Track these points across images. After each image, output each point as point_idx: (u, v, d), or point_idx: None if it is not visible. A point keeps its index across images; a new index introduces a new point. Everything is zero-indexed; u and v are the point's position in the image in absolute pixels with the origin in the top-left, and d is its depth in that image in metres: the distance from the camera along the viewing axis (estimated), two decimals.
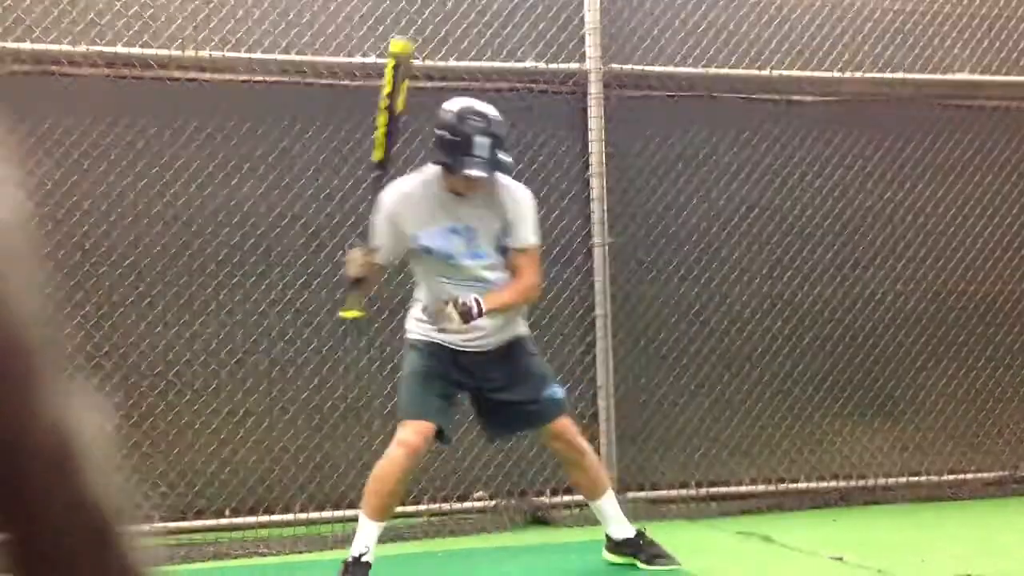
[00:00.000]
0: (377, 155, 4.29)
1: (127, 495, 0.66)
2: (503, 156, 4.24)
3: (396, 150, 4.52)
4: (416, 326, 4.41)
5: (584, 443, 4.52)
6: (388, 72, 4.24)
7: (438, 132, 4.23)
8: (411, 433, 4.22)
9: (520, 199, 4.37)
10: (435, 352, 4.33)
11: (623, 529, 4.62)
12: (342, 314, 4.37)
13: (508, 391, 4.40)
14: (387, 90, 4.22)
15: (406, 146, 5.78)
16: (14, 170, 0.65)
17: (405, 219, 4.27)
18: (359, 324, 4.75)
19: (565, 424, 4.46)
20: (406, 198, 4.29)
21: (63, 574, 0.63)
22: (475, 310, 4.12)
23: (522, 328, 4.52)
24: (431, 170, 4.32)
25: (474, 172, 4.15)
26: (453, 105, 4.32)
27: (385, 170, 4.30)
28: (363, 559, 4.23)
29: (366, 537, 4.26)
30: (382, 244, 4.30)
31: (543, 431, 4.49)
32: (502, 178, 4.34)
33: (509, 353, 4.41)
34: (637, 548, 4.61)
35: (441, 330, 4.21)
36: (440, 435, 4.31)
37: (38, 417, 0.62)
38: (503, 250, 4.34)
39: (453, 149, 4.17)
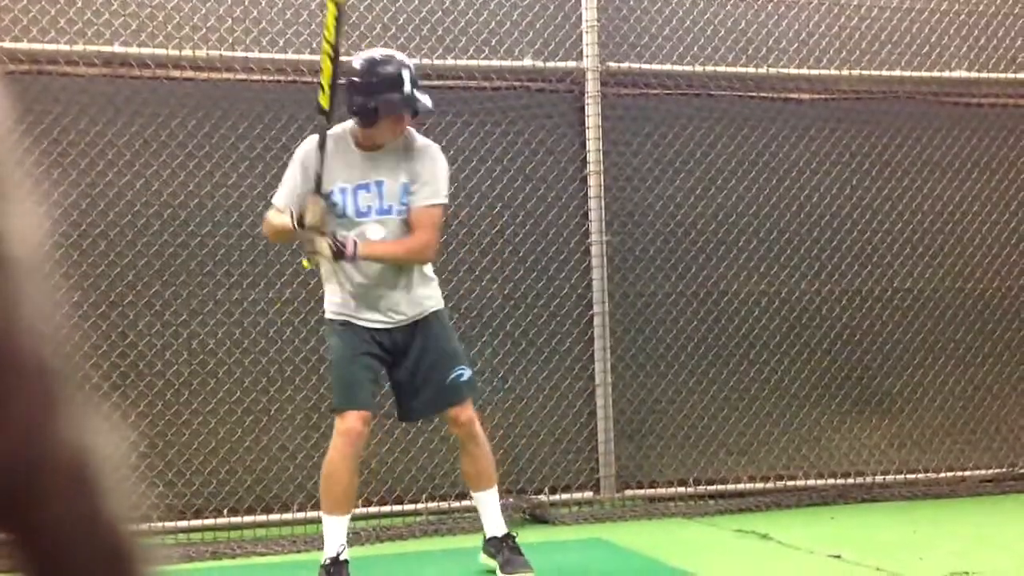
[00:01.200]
0: (323, 101, 4.15)
1: (140, 510, 0.67)
2: (423, 95, 4.19)
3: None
4: (331, 307, 4.32)
5: (480, 433, 4.39)
6: (331, 20, 4.09)
7: (355, 80, 4.15)
8: (350, 422, 4.17)
9: (435, 157, 4.28)
10: (354, 334, 4.24)
11: (495, 527, 4.48)
12: (304, 264, 4.32)
13: (414, 374, 4.30)
14: (330, 36, 4.09)
15: None
16: (32, 190, 0.65)
17: (320, 171, 4.18)
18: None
19: (464, 410, 4.35)
20: (318, 153, 4.19)
21: None
22: (349, 250, 4.07)
23: (436, 302, 4.37)
24: (343, 125, 4.26)
25: (399, 108, 4.12)
26: (365, 54, 4.31)
27: (329, 117, 4.17)
28: (341, 558, 4.21)
29: (336, 535, 4.21)
30: (289, 192, 4.24)
31: (445, 416, 4.40)
32: (417, 136, 4.32)
33: (420, 330, 4.30)
34: (499, 548, 4.46)
35: (309, 256, 4.15)
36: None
37: (58, 436, 0.62)
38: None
39: (375, 90, 4.11)
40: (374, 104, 4.12)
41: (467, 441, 4.41)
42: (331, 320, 4.33)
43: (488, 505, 4.49)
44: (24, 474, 0.61)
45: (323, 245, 4.08)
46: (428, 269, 4.40)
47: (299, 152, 4.31)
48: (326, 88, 4.13)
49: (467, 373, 4.38)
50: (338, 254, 4.08)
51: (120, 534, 0.65)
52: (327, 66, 4.13)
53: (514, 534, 4.54)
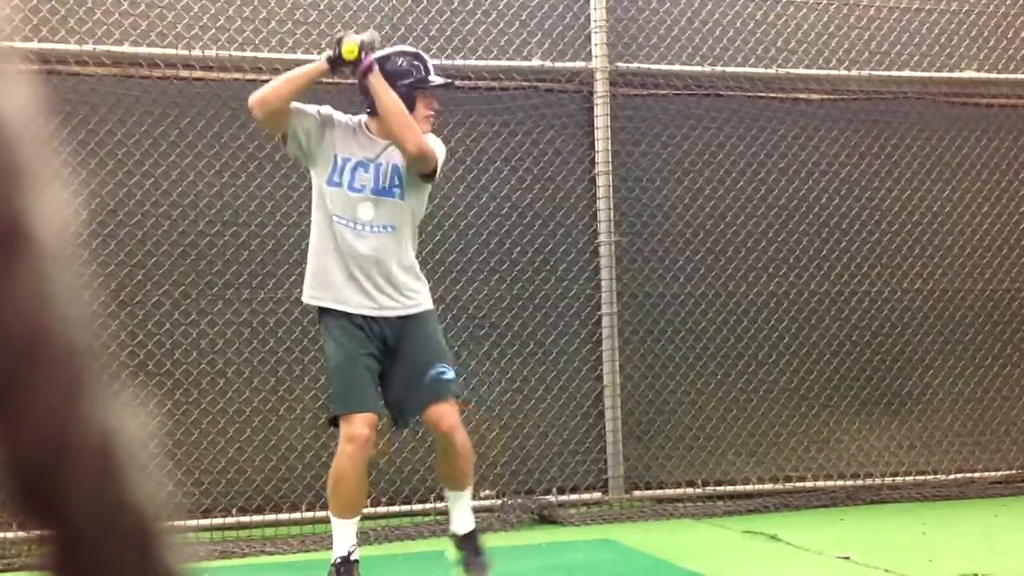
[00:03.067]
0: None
1: (167, 497, 0.67)
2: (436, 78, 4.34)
3: None
4: (315, 290, 4.24)
5: (461, 436, 4.26)
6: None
7: (392, 67, 4.22)
8: (357, 426, 4.10)
9: (434, 140, 4.34)
10: (350, 334, 4.18)
11: (461, 524, 4.39)
12: (347, 56, 4.14)
13: (398, 370, 4.23)
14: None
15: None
16: (59, 175, 0.65)
17: (334, 134, 4.23)
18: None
19: (446, 410, 4.23)
20: (340, 120, 4.28)
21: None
22: (371, 60, 4.11)
23: (427, 299, 4.32)
24: (359, 116, 4.33)
25: (440, 80, 4.31)
26: (390, 48, 4.45)
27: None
28: (352, 557, 4.20)
29: (345, 536, 4.18)
30: (304, 109, 4.25)
31: (425, 414, 4.26)
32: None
33: (410, 324, 4.24)
34: (461, 544, 4.39)
35: (336, 48, 4.13)
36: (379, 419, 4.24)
37: (85, 418, 0.63)
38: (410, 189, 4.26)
39: (415, 75, 4.24)
40: (421, 86, 4.23)
41: (442, 441, 4.29)
42: (323, 318, 4.26)
43: (458, 502, 4.40)
44: (51, 455, 0.61)
45: (354, 42, 4.09)
46: (415, 265, 4.34)
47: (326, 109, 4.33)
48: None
49: (449, 372, 4.28)
50: (363, 48, 4.09)
51: (148, 522, 0.66)
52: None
53: (477, 532, 4.45)
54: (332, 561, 4.21)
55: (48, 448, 0.60)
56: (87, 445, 0.61)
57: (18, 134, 0.63)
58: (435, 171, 4.27)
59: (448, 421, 4.24)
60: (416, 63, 4.30)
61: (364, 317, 4.22)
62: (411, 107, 4.21)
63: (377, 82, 4.16)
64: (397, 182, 4.25)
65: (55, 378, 0.60)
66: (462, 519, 4.43)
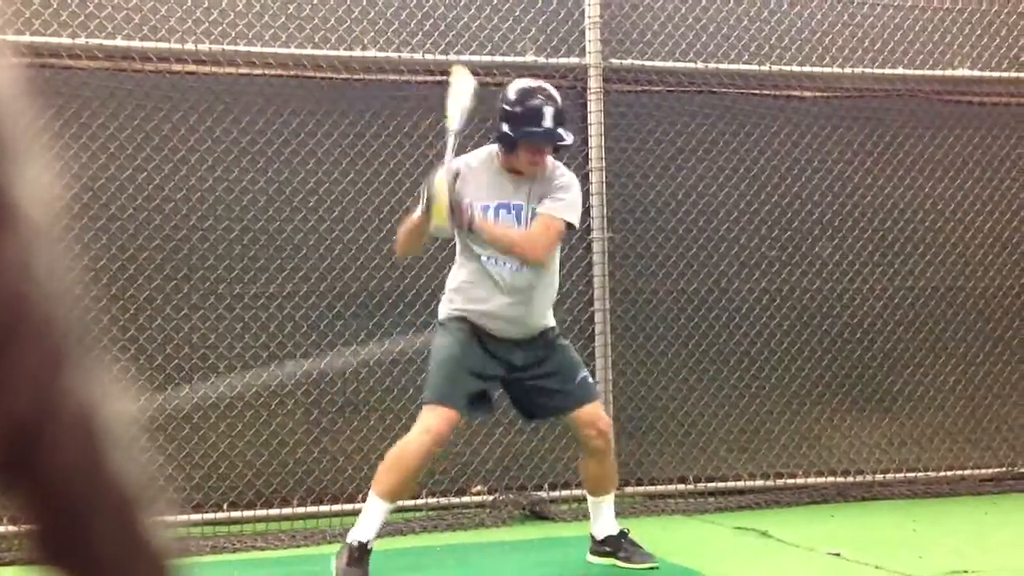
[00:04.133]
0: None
1: (150, 475, 0.67)
2: (564, 132, 4.26)
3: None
4: (451, 308, 4.34)
5: (610, 438, 4.48)
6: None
7: (502, 106, 4.24)
8: (438, 419, 4.14)
9: (570, 181, 4.34)
10: (469, 338, 4.27)
11: (608, 527, 4.57)
12: (438, 222, 4.09)
13: (542, 376, 4.35)
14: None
15: (406, 139, 5.80)
16: (42, 154, 0.66)
17: (465, 186, 4.19)
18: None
19: (598, 411, 4.43)
20: (467, 170, 4.25)
21: (85, 552, 0.64)
22: (468, 215, 4.07)
23: (550, 320, 4.45)
24: (491, 148, 4.34)
25: (537, 141, 4.20)
26: (517, 83, 4.39)
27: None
28: (369, 546, 4.19)
29: (375, 521, 4.17)
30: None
31: (574, 417, 4.39)
32: (560, 166, 4.37)
33: (539, 342, 4.37)
34: (617, 547, 4.55)
35: (425, 206, 4.06)
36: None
37: (66, 391, 0.63)
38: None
39: (517, 122, 4.19)
40: (513, 135, 4.19)
41: (603, 446, 4.42)
42: (449, 319, 4.33)
43: (604, 511, 4.57)
44: (32, 426, 0.62)
45: (441, 210, 4.01)
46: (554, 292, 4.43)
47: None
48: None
49: (590, 377, 4.50)
50: (454, 212, 4.02)
51: (129, 498, 0.66)
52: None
53: (627, 530, 4.62)
54: (349, 540, 4.18)
55: (29, 417, 0.60)
56: (69, 416, 0.61)
57: (1, 113, 0.63)
58: (573, 226, 4.35)
59: (605, 420, 4.45)
60: (541, 109, 4.20)
61: (493, 337, 4.29)
62: (516, 147, 4.20)
63: (483, 229, 4.14)
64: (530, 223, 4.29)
65: (37, 348, 0.60)
66: (611, 519, 4.59)
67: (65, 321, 0.64)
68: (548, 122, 4.21)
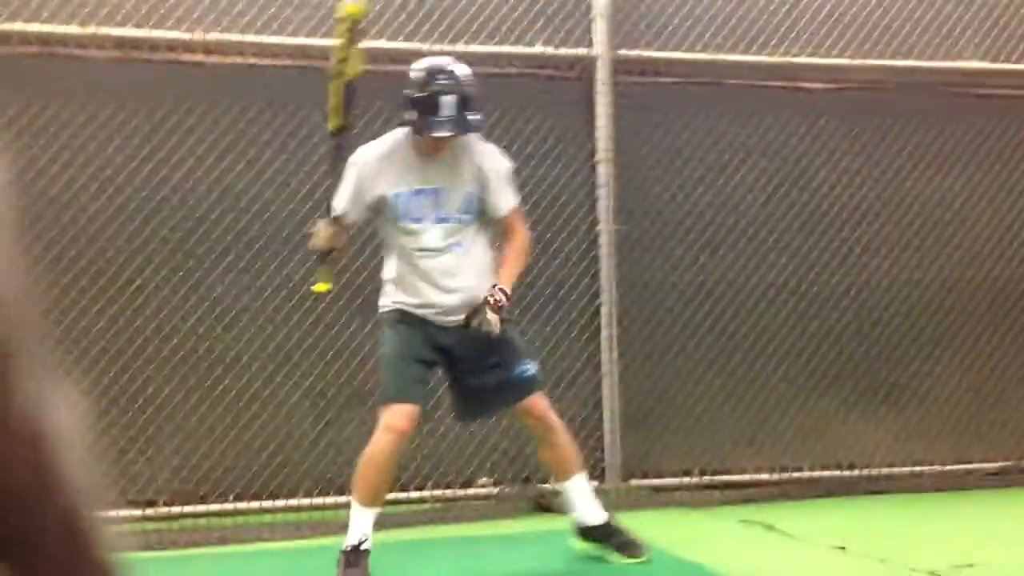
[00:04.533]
0: (332, 124, 4.14)
1: (103, 484, 0.67)
2: (472, 115, 4.19)
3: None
4: (389, 301, 4.33)
5: (555, 419, 4.42)
6: (343, 35, 4.06)
7: (406, 92, 4.17)
8: (398, 417, 4.16)
9: (497, 166, 4.32)
10: (412, 329, 4.26)
11: (593, 515, 4.49)
12: (314, 288, 4.28)
13: (480, 373, 4.31)
14: (341, 55, 4.06)
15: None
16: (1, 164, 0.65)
17: (375, 181, 4.19)
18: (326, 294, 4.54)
19: (536, 400, 4.38)
20: (376, 159, 4.22)
21: (36, 560, 0.64)
22: (503, 300, 4.13)
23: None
24: (400, 131, 4.28)
25: (439, 133, 4.13)
26: (422, 64, 4.28)
27: (342, 139, 4.18)
28: (362, 547, 4.21)
29: (362, 524, 4.21)
30: (348, 207, 4.24)
31: (513, 409, 4.43)
32: (476, 141, 4.31)
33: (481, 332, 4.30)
34: (607, 536, 4.48)
35: (476, 329, 4.13)
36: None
37: (16, 411, 0.62)
38: (477, 212, 4.29)
39: (420, 109, 4.13)
40: (420, 122, 4.15)
41: (540, 428, 4.42)
42: (388, 311, 4.33)
43: (577, 495, 4.48)
44: None
45: (489, 316, 4.10)
46: (491, 269, 4.38)
47: (354, 162, 4.28)
48: (337, 108, 4.10)
49: (532, 368, 4.41)
50: (498, 310, 4.12)
51: (81, 508, 0.66)
52: (335, 88, 4.09)
53: (613, 517, 4.55)
54: (343, 547, 4.22)
55: None
56: (18, 434, 0.61)
57: None
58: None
59: (539, 405, 4.39)
60: (432, 100, 4.12)
61: (433, 323, 4.27)
62: (425, 134, 4.17)
63: (510, 286, 4.22)
64: (467, 208, 4.28)
65: None
66: (592, 508, 4.50)
67: (14, 338, 0.63)
68: (452, 111, 4.13)
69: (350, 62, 4.10)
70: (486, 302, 4.13)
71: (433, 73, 4.20)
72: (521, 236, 4.36)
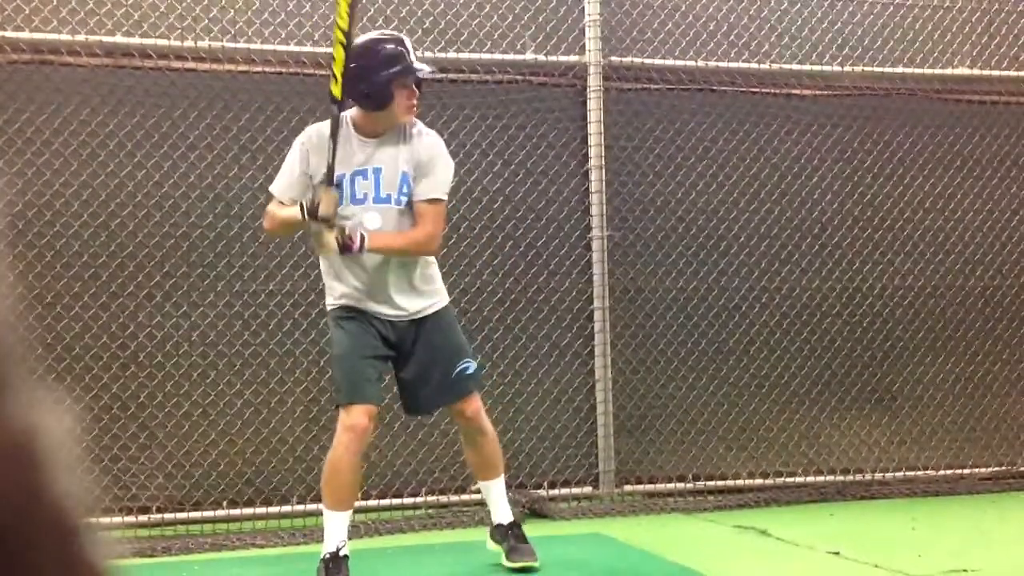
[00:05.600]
0: (335, 91, 4.11)
1: (92, 495, 0.66)
2: (421, 65, 4.25)
3: None
4: (332, 299, 4.29)
5: (487, 423, 4.42)
6: (343, 6, 4.04)
7: (361, 64, 4.10)
8: (356, 416, 4.13)
9: (437, 149, 4.27)
10: (359, 327, 4.22)
11: (502, 514, 4.50)
12: (324, 254, 4.18)
13: (420, 369, 4.29)
14: (344, 24, 4.04)
15: None
16: None
17: (320, 161, 4.14)
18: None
19: (471, 403, 4.37)
20: (320, 140, 4.17)
21: (26, 569, 0.63)
22: (356, 244, 4.03)
23: (441, 297, 4.38)
24: (343, 115, 4.22)
25: (425, 72, 4.23)
26: (363, 40, 4.25)
27: (341, 107, 4.14)
28: (341, 553, 4.19)
29: (337, 530, 4.19)
30: (287, 188, 4.22)
31: (449, 407, 4.43)
32: (423, 128, 4.30)
33: (425, 325, 4.30)
34: (504, 536, 4.48)
35: (314, 249, 4.11)
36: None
37: (2, 416, 0.62)
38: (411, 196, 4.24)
39: (388, 65, 4.12)
40: (393, 75, 4.12)
41: (473, 433, 4.42)
42: (333, 310, 4.31)
43: (494, 493, 4.52)
44: None
45: (330, 239, 4.02)
46: (431, 265, 4.38)
47: (301, 141, 4.28)
48: (339, 77, 4.10)
49: (472, 366, 4.39)
50: (344, 248, 4.04)
51: (70, 519, 0.65)
52: (339, 55, 4.09)
53: (520, 522, 4.58)
54: (321, 556, 4.21)
55: None
56: (3, 439, 0.60)
57: None
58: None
59: (472, 406, 4.37)
60: (400, 50, 4.19)
61: (378, 318, 4.24)
62: (390, 98, 4.16)
63: (375, 248, 4.11)
64: (403, 189, 4.23)
65: None
66: (502, 509, 4.52)
67: (2, 341, 0.62)
68: (411, 57, 4.18)
69: (352, 30, 4.13)
70: (340, 230, 4.03)
71: (378, 38, 4.30)
72: (424, 231, 4.20)
